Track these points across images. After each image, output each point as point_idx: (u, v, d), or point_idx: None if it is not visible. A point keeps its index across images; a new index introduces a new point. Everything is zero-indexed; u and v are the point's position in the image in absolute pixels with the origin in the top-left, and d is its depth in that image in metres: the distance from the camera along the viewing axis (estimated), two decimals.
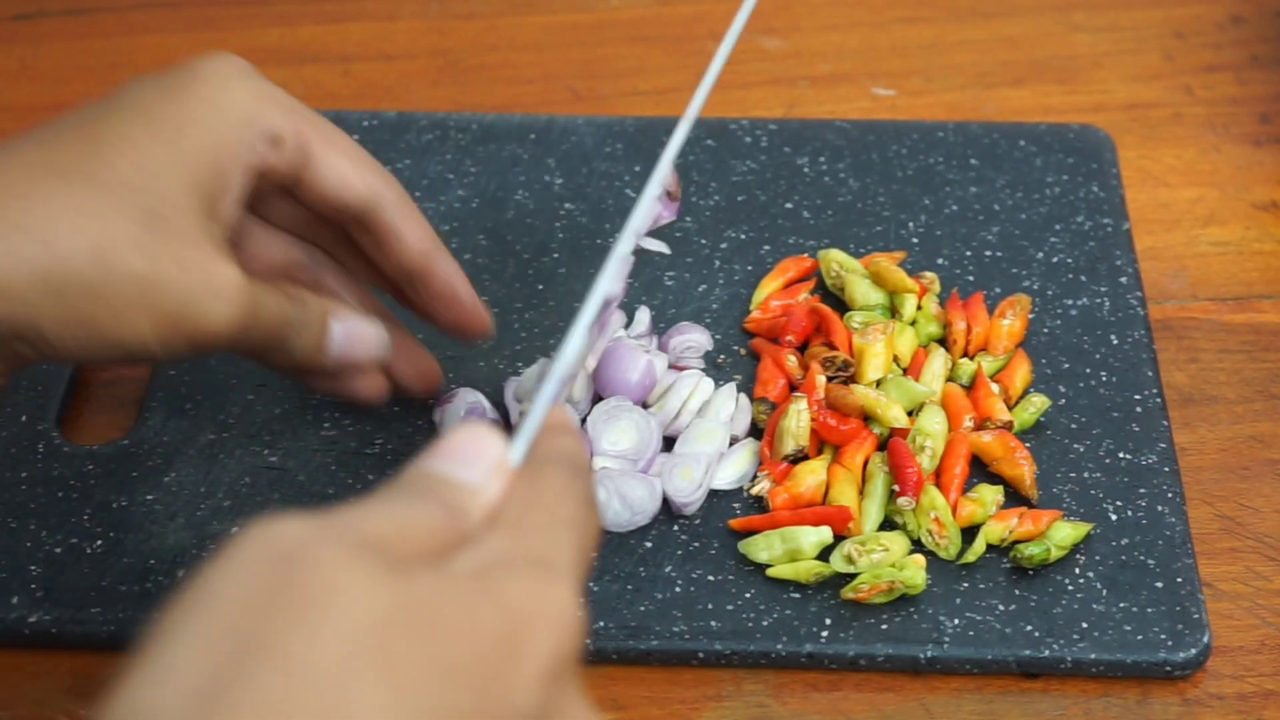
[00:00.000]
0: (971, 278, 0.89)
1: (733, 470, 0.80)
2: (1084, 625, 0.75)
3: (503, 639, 0.50)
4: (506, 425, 0.82)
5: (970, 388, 0.83)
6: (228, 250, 0.70)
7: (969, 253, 0.90)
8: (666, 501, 0.79)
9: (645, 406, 0.82)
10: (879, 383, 0.82)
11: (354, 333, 0.75)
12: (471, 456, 0.55)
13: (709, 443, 0.80)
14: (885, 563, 0.76)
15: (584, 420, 0.80)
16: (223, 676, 0.47)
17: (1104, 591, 0.76)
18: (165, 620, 0.49)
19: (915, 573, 0.75)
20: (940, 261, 0.89)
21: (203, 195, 0.70)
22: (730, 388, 0.82)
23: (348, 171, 0.74)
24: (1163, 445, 0.82)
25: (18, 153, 0.68)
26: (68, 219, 0.67)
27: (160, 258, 0.68)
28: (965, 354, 0.85)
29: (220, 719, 0.46)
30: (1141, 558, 0.78)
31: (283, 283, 0.74)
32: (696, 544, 0.78)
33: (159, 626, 0.49)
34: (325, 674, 0.47)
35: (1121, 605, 0.76)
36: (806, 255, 0.89)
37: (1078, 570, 0.77)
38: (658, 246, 0.76)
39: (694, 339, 0.85)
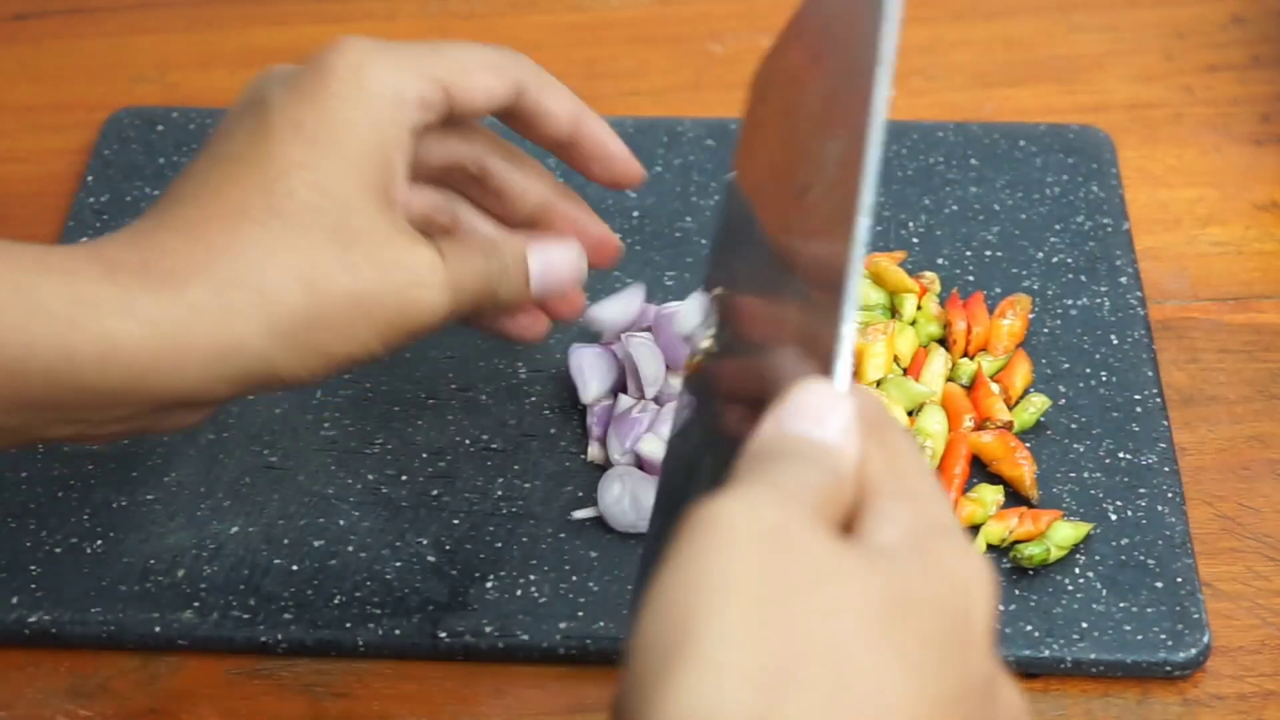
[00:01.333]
0: (971, 278, 0.89)
1: None
2: (1084, 625, 0.75)
3: (959, 610, 0.51)
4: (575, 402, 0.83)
5: (970, 388, 0.83)
6: (415, 233, 0.71)
7: (969, 253, 0.90)
8: None
9: None
10: (879, 383, 0.82)
11: (551, 261, 0.74)
12: (825, 416, 0.54)
13: None
14: None
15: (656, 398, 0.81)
16: (778, 673, 0.48)
17: (1104, 591, 0.76)
18: (687, 611, 0.49)
19: None
20: (940, 261, 0.89)
21: (378, 192, 0.70)
22: None
23: (489, 84, 0.73)
24: (1163, 445, 0.82)
25: (201, 201, 0.69)
26: (273, 261, 0.68)
27: (363, 269, 0.69)
28: (965, 354, 0.85)
29: (789, 710, 0.48)
30: (1141, 558, 0.78)
31: (470, 238, 0.74)
32: None
33: (682, 618, 0.49)
34: (858, 662, 0.49)
35: (1121, 605, 0.76)
36: None
37: (1077, 570, 0.77)
38: None
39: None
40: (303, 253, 0.69)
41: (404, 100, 0.71)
